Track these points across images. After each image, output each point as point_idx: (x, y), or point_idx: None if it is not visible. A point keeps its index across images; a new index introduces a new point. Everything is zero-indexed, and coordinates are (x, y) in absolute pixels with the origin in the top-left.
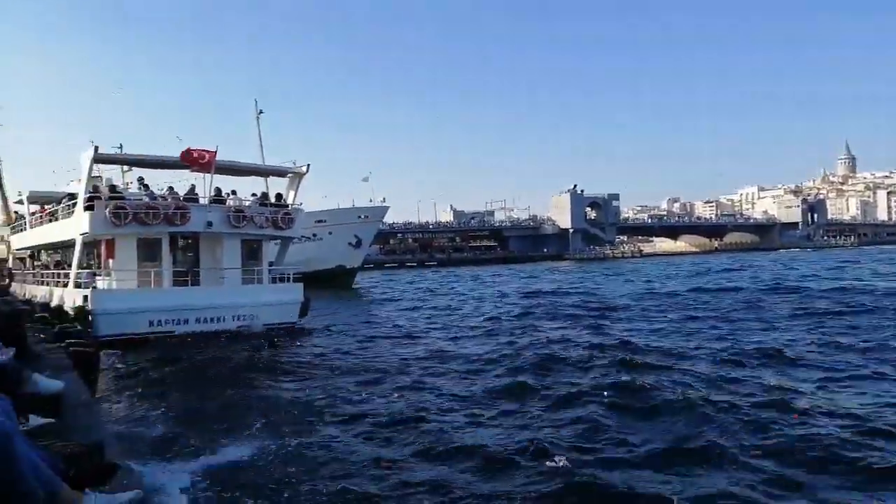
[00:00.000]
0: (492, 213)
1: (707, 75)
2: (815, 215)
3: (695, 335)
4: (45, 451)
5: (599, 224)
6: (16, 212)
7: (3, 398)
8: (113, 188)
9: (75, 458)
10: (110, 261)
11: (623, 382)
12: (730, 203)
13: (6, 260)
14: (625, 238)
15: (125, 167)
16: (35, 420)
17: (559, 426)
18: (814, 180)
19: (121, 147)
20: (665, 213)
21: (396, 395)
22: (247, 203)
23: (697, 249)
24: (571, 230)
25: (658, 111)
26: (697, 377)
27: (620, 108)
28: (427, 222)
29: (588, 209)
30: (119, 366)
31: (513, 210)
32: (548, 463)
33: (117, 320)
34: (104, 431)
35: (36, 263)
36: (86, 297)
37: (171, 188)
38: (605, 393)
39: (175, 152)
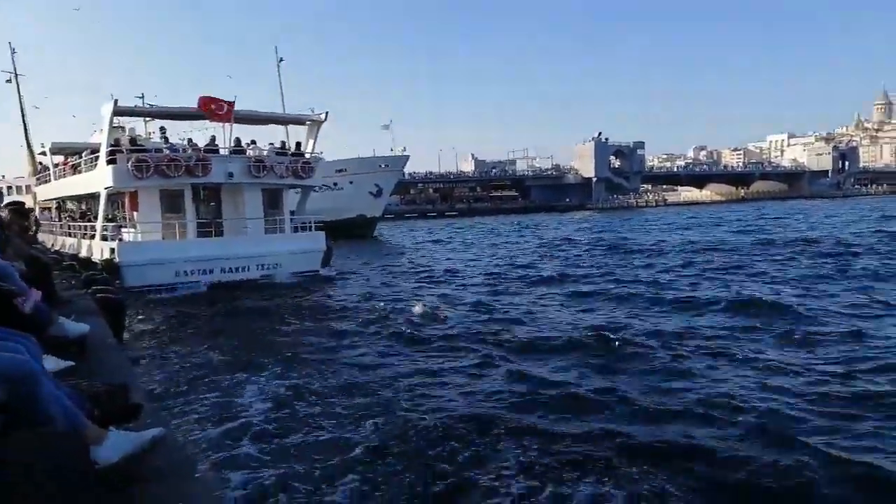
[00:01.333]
0: (514, 163)
1: (738, 19)
2: (847, 163)
3: None
4: (71, 390)
5: (624, 173)
6: (40, 163)
7: (29, 338)
8: (133, 140)
9: (100, 397)
10: (134, 213)
11: None
12: (758, 151)
13: (32, 210)
14: (649, 187)
15: (147, 117)
16: (61, 361)
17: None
18: (846, 127)
19: (142, 97)
20: (691, 161)
21: (416, 344)
22: (265, 152)
23: (723, 198)
24: (595, 179)
25: (687, 58)
26: None
27: (647, 56)
28: (448, 172)
29: (612, 158)
30: (145, 315)
31: (535, 159)
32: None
33: (144, 272)
34: (129, 373)
35: (63, 214)
36: (113, 250)
37: (190, 140)
38: None
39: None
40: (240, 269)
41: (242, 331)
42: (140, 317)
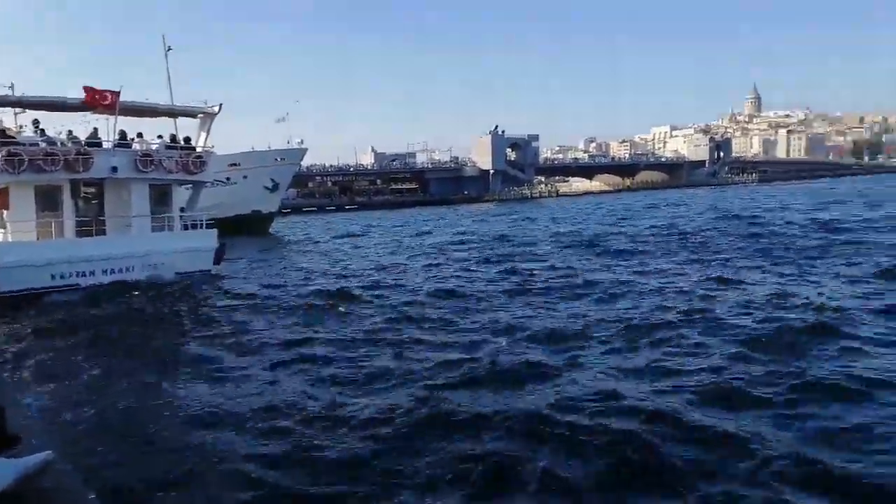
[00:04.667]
0: (413, 156)
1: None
2: (721, 153)
3: None
4: None
5: (519, 165)
6: None
7: None
8: (2, 132)
9: None
10: (4, 212)
11: None
12: (643, 142)
13: None
14: (542, 178)
15: (17, 109)
16: None
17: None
18: (722, 119)
19: (12, 87)
20: (583, 152)
21: (317, 334)
22: (154, 146)
23: (610, 188)
24: (492, 171)
25: (581, 53)
26: None
27: (544, 52)
28: (347, 165)
29: (508, 150)
30: (18, 324)
31: (434, 152)
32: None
33: (16, 275)
34: (7, 394)
35: None
36: None
37: (70, 132)
38: None
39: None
40: (123, 270)
41: (128, 338)
42: (12, 326)
